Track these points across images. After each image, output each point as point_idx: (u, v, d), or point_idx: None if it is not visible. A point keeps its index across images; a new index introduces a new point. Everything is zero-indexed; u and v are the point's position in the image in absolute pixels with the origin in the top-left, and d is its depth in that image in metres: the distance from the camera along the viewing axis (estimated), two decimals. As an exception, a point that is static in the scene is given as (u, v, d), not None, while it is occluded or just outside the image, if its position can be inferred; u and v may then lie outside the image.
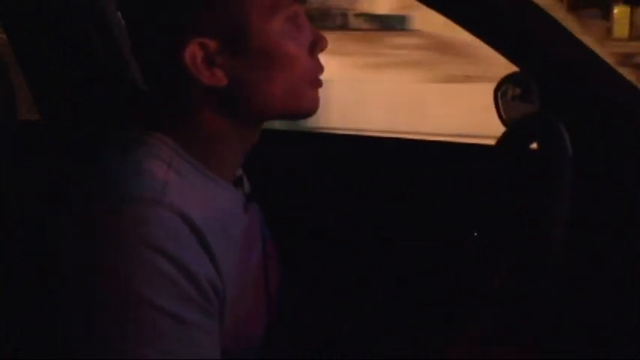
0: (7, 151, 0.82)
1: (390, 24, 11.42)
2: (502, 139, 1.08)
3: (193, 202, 0.70)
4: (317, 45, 0.75)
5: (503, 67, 1.11)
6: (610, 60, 1.02)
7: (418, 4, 1.01)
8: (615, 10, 12.33)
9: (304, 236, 1.41)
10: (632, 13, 11.90)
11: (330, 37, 0.79)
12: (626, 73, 1.01)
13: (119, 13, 1.30)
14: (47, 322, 0.68)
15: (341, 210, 1.49)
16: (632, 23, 11.87)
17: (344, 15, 11.68)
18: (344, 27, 11.21)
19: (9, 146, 0.82)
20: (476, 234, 1.05)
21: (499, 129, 1.09)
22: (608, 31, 11.58)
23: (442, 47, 8.90)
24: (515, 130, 1.07)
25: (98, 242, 0.65)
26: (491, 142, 1.11)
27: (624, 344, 0.92)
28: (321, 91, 0.77)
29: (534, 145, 0.99)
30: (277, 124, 0.99)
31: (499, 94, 1.26)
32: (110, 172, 0.70)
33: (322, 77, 0.77)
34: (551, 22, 1.00)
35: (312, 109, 0.76)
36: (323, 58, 0.77)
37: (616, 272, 0.91)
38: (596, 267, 0.93)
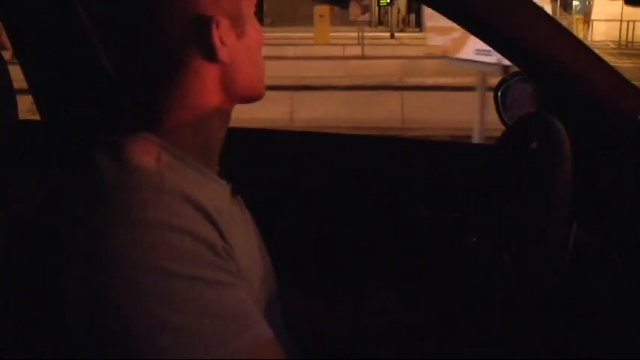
0: (7, 151, 0.82)
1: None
2: (502, 139, 1.08)
3: (190, 189, 0.70)
4: None
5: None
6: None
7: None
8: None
9: (293, 234, 1.42)
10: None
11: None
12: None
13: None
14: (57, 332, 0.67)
15: (337, 210, 1.49)
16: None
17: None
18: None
19: (9, 146, 0.82)
20: (475, 240, 1.05)
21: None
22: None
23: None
24: (515, 129, 1.07)
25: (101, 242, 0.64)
26: (491, 142, 1.11)
27: (623, 344, 0.92)
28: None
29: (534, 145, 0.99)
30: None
31: (499, 94, 1.26)
32: (104, 173, 0.70)
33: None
34: (550, 22, 1.01)
35: (264, 93, 0.81)
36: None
37: (615, 272, 0.92)
38: (596, 266, 0.93)
